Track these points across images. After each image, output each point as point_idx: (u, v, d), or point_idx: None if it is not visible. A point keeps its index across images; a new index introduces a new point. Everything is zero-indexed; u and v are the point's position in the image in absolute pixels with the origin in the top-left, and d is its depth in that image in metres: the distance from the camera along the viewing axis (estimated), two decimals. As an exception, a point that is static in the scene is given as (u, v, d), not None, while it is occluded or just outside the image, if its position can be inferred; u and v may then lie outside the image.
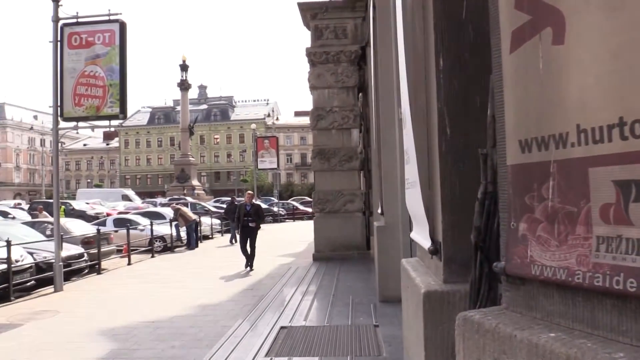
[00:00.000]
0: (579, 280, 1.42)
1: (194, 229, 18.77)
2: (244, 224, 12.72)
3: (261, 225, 13.38)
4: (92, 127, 14.16)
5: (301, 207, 38.13)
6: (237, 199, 27.91)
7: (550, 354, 1.41)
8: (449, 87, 2.56)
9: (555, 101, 1.54)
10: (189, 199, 36.16)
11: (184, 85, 53.81)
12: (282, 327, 6.67)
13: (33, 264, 10.52)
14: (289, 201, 42.89)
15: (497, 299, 1.98)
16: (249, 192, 14.32)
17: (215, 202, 38.95)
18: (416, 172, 2.68)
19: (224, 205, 27.94)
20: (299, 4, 14.03)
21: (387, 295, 7.57)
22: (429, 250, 2.52)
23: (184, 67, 54.19)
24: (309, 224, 17.41)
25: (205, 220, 22.75)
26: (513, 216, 1.69)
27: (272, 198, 46.93)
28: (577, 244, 1.44)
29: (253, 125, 56.18)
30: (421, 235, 2.78)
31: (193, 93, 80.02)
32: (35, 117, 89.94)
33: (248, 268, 12.37)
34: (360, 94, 14.47)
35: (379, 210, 8.49)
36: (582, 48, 1.46)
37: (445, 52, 2.61)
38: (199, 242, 19.28)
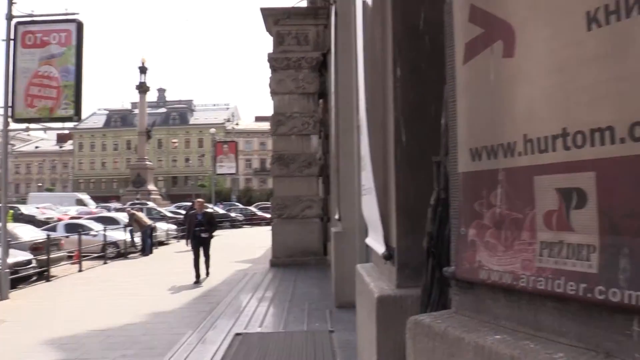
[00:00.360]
0: (524, 284, 1.48)
1: (149, 234, 18.38)
2: (195, 235, 11.71)
3: (214, 234, 12.48)
4: (45, 129, 13.75)
5: (259, 213, 37.90)
6: None
7: (496, 355, 1.46)
8: (406, 95, 2.62)
9: (505, 112, 1.60)
10: (151, 204, 35.33)
11: (142, 88, 52.80)
12: (236, 334, 6.61)
13: (-23, 270, 10.06)
14: (250, 207, 42.59)
15: (448, 303, 2.02)
16: (199, 199, 13.15)
17: (176, 207, 37.91)
18: (372, 178, 2.72)
19: (183, 211, 27.47)
20: (262, 10, 14.02)
21: (343, 301, 7.61)
22: (383, 256, 2.56)
23: (143, 70, 53.20)
24: (268, 230, 17.32)
25: (161, 226, 22.34)
26: (463, 222, 1.74)
27: (237, 204, 46.77)
28: (522, 249, 1.49)
29: (212, 130, 55.52)
30: (376, 241, 2.82)
31: (152, 96, 78.71)
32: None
33: (204, 275, 11.78)
34: (321, 101, 14.55)
35: (337, 216, 8.54)
36: (530, 61, 1.52)
37: (403, 62, 2.67)
38: (153, 248, 18.88)
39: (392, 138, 2.55)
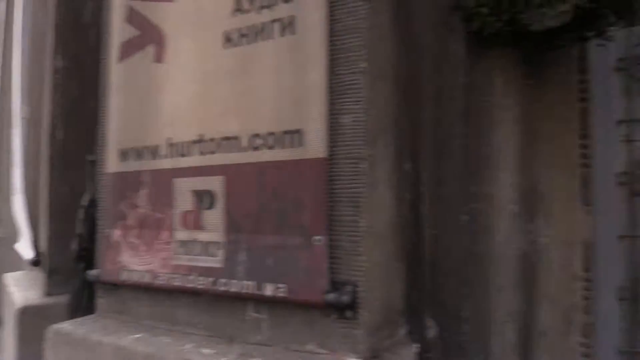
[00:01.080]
0: (162, 282, 1.54)
1: None
2: None
3: None
4: None
5: None
6: None
7: (133, 355, 1.48)
8: (66, 89, 2.45)
9: (152, 115, 1.65)
10: None
11: None
12: None
13: None
14: None
15: (98, 307, 1.97)
16: None
17: None
18: (22, 176, 2.46)
19: None
20: None
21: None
22: (31, 262, 2.33)
23: None
24: None
25: None
26: (108, 223, 1.71)
27: None
28: (161, 248, 1.55)
29: None
30: (25, 246, 2.56)
31: None
32: None
33: None
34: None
35: (-3, 221, 7.42)
36: (176, 69, 1.60)
37: (64, 53, 2.49)
38: None
39: (47, 133, 2.35)
